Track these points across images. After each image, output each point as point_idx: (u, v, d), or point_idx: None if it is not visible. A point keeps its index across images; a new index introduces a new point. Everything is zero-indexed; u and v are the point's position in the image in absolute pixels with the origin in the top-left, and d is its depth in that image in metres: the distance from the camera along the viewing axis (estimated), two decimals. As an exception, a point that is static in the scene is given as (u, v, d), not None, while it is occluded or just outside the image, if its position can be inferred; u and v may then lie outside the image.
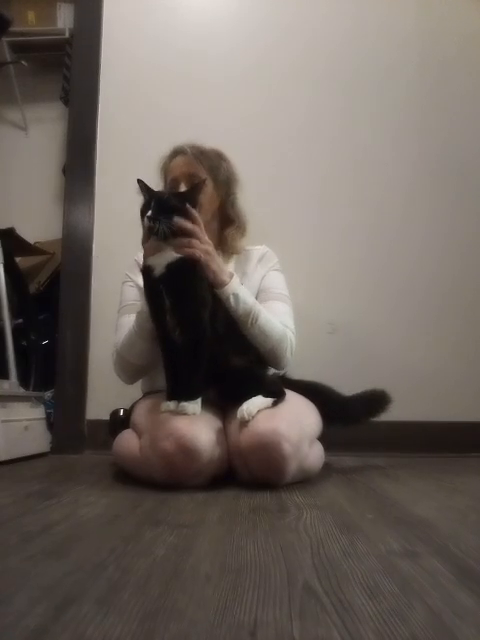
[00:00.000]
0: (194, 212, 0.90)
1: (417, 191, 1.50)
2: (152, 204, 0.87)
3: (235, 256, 1.13)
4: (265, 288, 1.10)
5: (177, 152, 1.09)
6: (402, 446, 1.34)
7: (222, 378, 0.92)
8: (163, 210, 0.87)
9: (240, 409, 0.86)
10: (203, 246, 0.91)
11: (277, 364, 1.04)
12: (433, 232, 1.49)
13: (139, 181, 0.91)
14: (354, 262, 1.47)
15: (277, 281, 1.12)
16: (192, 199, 0.91)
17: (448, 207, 1.50)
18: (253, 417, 0.85)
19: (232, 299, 0.95)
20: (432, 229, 1.49)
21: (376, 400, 1.06)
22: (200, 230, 0.91)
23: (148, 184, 0.91)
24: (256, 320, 0.97)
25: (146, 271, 0.90)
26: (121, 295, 1.12)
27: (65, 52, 1.95)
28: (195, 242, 0.90)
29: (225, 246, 1.12)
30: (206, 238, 0.93)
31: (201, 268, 0.90)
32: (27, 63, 1.86)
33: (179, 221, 0.88)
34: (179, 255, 0.88)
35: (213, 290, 0.94)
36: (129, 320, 1.03)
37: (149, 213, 0.86)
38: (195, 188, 0.93)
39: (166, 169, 1.10)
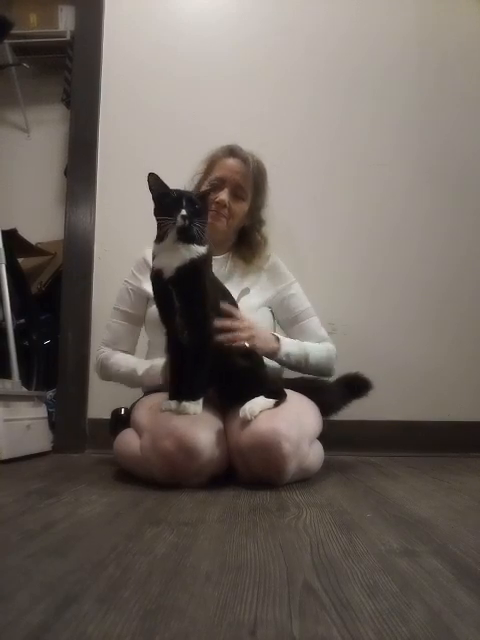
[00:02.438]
0: (227, 310, 0.94)
1: (417, 191, 1.50)
2: (184, 203, 0.84)
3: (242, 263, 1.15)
4: (289, 309, 1.14)
5: (235, 154, 1.09)
6: (402, 445, 1.34)
7: (223, 378, 0.92)
8: (193, 211, 0.85)
9: (242, 409, 0.86)
10: (246, 333, 0.95)
11: (329, 376, 1.11)
12: (433, 232, 1.49)
13: (152, 174, 0.87)
14: (354, 262, 1.47)
15: (298, 298, 1.15)
16: (206, 199, 0.91)
17: (448, 207, 1.50)
18: (255, 417, 0.85)
19: (285, 359, 1.03)
20: (432, 229, 1.49)
21: (356, 383, 1.07)
22: (239, 316, 0.96)
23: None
24: (307, 361, 1.05)
25: (156, 274, 0.90)
26: (118, 293, 1.14)
27: (66, 54, 1.96)
28: (239, 334, 0.93)
29: (237, 261, 1.14)
30: (244, 322, 0.96)
31: (209, 274, 0.92)
32: (29, 65, 1.87)
33: (221, 324, 0.91)
34: (189, 258, 0.87)
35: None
36: (119, 326, 1.11)
37: (184, 212, 0.84)
38: (206, 194, 0.92)
39: (215, 162, 1.10)
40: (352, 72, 1.53)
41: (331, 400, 1.04)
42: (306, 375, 1.08)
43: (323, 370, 1.09)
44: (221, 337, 0.91)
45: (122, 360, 1.09)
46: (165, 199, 0.87)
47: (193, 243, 0.87)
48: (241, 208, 1.09)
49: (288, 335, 1.11)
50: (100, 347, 1.14)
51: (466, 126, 1.53)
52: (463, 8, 1.57)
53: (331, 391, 1.05)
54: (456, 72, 1.54)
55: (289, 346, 1.04)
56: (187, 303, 0.88)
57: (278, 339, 1.03)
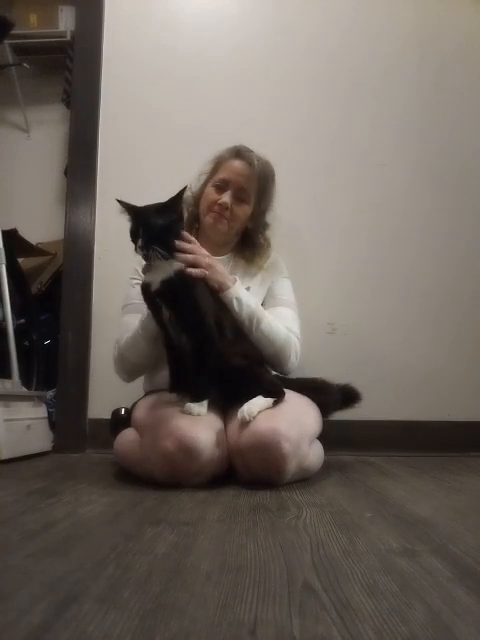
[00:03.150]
0: (186, 235, 0.92)
1: (417, 191, 1.50)
2: (140, 232, 0.86)
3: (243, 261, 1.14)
4: (272, 294, 1.12)
5: (241, 156, 1.08)
6: (401, 445, 1.34)
7: (222, 378, 0.92)
8: (152, 235, 0.86)
9: (241, 410, 0.86)
10: (205, 260, 0.93)
11: (281, 368, 1.06)
12: (433, 232, 1.49)
13: (119, 201, 0.88)
14: (354, 262, 1.47)
15: (284, 288, 1.14)
16: (176, 207, 0.89)
17: (448, 207, 1.50)
18: (254, 417, 0.85)
19: (235, 303, 0.97)
20: (432, 229, 1.49)
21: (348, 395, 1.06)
22: (197, 246, 0.93)
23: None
24: (259, 323, 0.99)
25: (144, 287, 0.92)
26: (126, 293, 1.13)
27: (67, 54, 1.95)
28: (197, 259, 0.91)
29: (239, 262, 1.13)
30: (203, 251, 0.94)
31: (199, 281, 0.91)
32: (29, 65, 1.87)
33: (179, 245, 0.89)
34: (173, 271, 0.88)
35: (217, 294, 0.95)
36: (132, 319, 1.04)
37: (140, 242, 0.85)
38: (177, 196, 0.89)
39: (220, 163, 1.10)
40: (352, 72, 1.53)
41: (330, 401, 1.04)
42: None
43: (275, 350, 1.01)
44: (180, 257, 0.89)
45: (128, 331, 1.02)
46: (131, 224, 0.89)
47: (170, 258, 0.88)
48: (243, 211, 1.09)
49: None
50: (115, 346, 1.06)
51: (466, 126, 1.53)
52: (463, 8, 1.57)
53: (331, 393, 1.05)
54: (456, 72, 1.54)
55: (244, 294, 0.98)
56: (180, 312, 0.90)
57: (236, 281, 0.99)
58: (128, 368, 1.06)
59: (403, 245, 1.48)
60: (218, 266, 0.97)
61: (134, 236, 0.88)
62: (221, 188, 1.07)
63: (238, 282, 0.99)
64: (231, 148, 1.11)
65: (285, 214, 1.45)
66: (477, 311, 1.46)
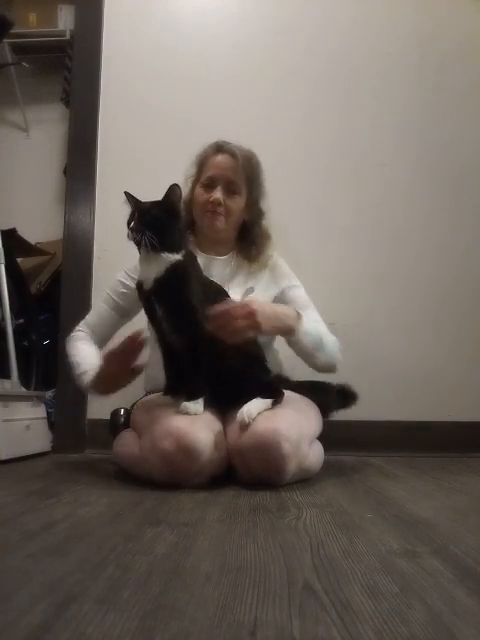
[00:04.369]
0: (220, 306, 0.84)
1: (417, 191, 1.50)
2: (135, 215, 0.86)
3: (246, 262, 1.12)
4: (291, 301, 1.09)
5: (223, 149, 1.06)
6: (402, 446, 1.34)
7: (219, 379, 0.91)
8: (147, 222, 0.86)
9: (240, 412, 0.86)
10: (246, 320, 0.84)
11: (333, 370, 1.03)
12: (433, 231, 1.49)
13: (126, 193, 0.90)
14: (353, 262, 1.46)
15: (300, 293, 1.12)
16: (171, 205, 0.89)
17: (448, 206, 1.50)
18: (253, 419, 0.85)
19: (303, 337, 0.94)
20: (431, 228, 1.49)
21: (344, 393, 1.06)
22: (230, 304, 0.86)
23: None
24: (322, 345, 0.96)
25: (138, 286, 0.92)
26: (113, 281, 1.11)
27: (66, 53, 1.95)
28: (235, 324, 0.83)
29: (241, 261, 1.11)
30: (238, 306, 0.86)
31: (190, 279, 0.89)
32: (28, 64, 1.87)
33: (212, 312, 0.82)
34: (165, 268, 0.87)
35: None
36: (104, 312, 1.09)
37: (132, 225, 0.85)
38: (169, 196, 0.88)
39: (204, 162, 1.08)
40: (352, 72, 1.53)
41: (330, 401, 1.03)
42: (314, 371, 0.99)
43: (331, 360, 1.00)
44: (216, 330, 0.83)
45: (80, 350, 1.04)
46: (129, 213, 0.90)
47: (164, 252, 0.87)
48: (237, 204, 1.07)
49: None
50: (79, 324, 1.10)
51: (466, 126, 1.53)
52: (463, 8, 1.57)
53: (331, 393, 1.04)
54: (456, 72, 1.54)
55: (308, 323, 0.93)
56: (172, 311, 0.89)
57: (300, 317, 0.93)
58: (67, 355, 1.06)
59: (403, 245, 1.48)
60: (264, 308, 0.89)
61: (129, 222, 0.88)
62: (210, 186, 1.05)
63: (302, 316, 0.95)
64: (212, 144, 1.08)
65: (285, 214, 1.45)
66: (477, 311, 1.46)
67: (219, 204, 1.05)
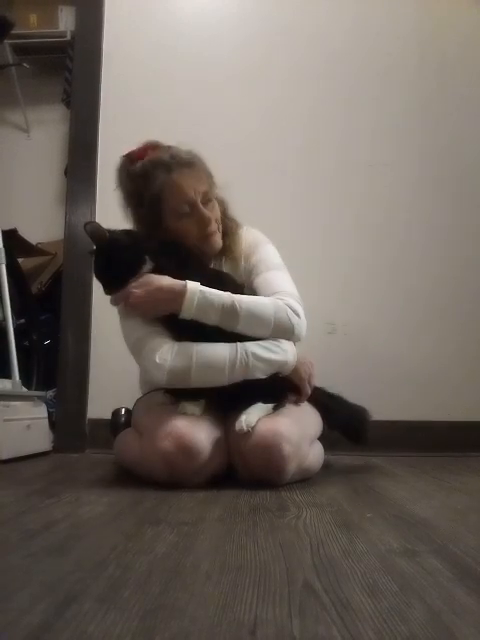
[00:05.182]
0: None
1: (420, 192, 1.50)
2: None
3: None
4: (253, 266, 0.99)
5: (172, 167, 0.91)
6: (402, 445, 1.34)
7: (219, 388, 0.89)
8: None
9: (239, 421, 0.84)
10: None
11: (289, 336, 0.93)
12: (435, 232, 1.49)
13: (87, 224, 0.87)
14: (354, 262, 1.46)
15: (262, 253, 1.01)
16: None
17: (451, 206, 1.50)
18: (252, 428, 0.83)
19: (196, 307, 0.86)
20: (434, 229, 1.49)
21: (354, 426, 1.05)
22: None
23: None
24: (238, 312, 0.86)
25: None
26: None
27: (66, 54, 1.96)
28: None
29: (227, 259, 1.03)
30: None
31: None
32: (29, 65, 1.87)
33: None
34: None
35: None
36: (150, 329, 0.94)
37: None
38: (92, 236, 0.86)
39: (165, 190, 0.91)
40: (352, 72, 1.53)
41: (337, 421, 1.03)
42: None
43: (269, 327, 0.89)
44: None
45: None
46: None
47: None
48: (215, 207, 0.98)
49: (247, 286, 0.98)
50: (153, 357, 0.89)
51: (467, 126, 1.53)
52: (463, 8, 1.57)
53: (341, 412, 1.03)
54: (456, 72, 1.54)
55: (203, 292, 0.86)
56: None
57: (185, 284, 0.86)
58: (187, 374, 0.88)
59: (405, 245, 1.48)
60: (154, 281, 0.86)
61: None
62: (190, 212, 0.93)
63: (189, 283, 0.86)
64: (149, 165, 0.93)
65: (286, 215, 1.46)
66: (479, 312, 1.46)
67: (210, 221, 0.95)
